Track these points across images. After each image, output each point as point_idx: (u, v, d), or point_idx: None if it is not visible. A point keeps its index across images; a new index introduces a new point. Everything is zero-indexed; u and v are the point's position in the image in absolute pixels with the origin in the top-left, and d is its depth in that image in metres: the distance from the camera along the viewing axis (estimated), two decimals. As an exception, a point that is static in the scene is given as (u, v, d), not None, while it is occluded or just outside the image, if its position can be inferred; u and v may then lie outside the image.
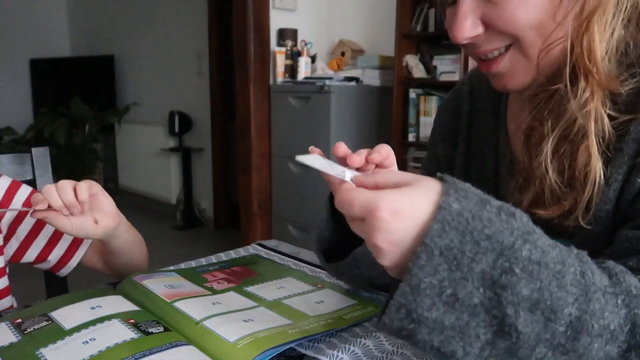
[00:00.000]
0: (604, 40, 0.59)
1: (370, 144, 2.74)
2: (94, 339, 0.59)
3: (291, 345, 0.60)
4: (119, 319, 0.64)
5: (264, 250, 1.03)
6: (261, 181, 3.04)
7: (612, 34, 0.60)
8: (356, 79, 2.86)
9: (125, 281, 0.78)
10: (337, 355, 0.59)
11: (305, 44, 2.97)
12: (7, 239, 0.88)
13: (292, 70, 2.98)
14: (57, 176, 1.00)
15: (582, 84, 0.60)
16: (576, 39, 0.59)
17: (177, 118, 4.12)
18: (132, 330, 0.61)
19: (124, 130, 4.73)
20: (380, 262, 0.46)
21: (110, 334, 0.60)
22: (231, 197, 4.15)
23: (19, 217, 0.89)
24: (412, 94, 2.77)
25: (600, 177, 0.60)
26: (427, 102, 2.73)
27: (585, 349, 0.46)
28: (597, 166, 0.60)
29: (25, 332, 0.63)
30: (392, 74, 2.81)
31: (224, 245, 3.15)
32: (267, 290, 0.77)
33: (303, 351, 0.61)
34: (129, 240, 0.89)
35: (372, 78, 2.91)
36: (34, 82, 5.11)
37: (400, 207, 0.44)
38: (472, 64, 2.44)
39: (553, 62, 0.62)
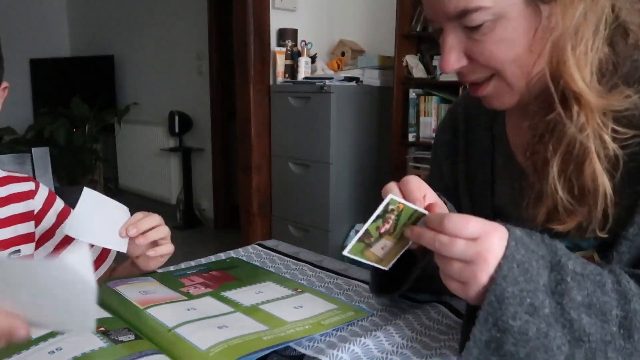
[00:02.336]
0: (585, 65, 0.62)
1: (371, 144, 2.77)
2: (61, 349, 0.57)
3: (265, 352, 0.58)
4: None
5: (264, 250, 1.03)
6: (261, 181, 3.04)
7: (595, 56, 0.62)
8: (356, 79, 2.86)
9: (98, 287, 0.76)
10: (337, 355, 0.59)
11: (305, 44, 2.97)
12: (39, 244, 0.90)
13: (292, 70, 2.97)
14: (57, 176, 1.00)
15: (575, 107, 0.62)
16: (556, 68, 0.62)
17: (177, 118, 4.12)
18: (101, 339, 0.59)
19: (124, 130, 4.73)
20: (468, 279, 0.54)
21: (77, 343, 0.58)
22: (231, 197, 4.15)
23: (55, 226, 0.91)
24: (412, 94, 2.77)
25: (609, 190, 0.62)
26: (427, 102, 2.73)
27: None
28: (604, 181, 0.62)
29: (-11, 342, 0.60)
30: (392, 74, 2.81)
31: (224, 245, 3.14)
32: (245, 295, 0.75)
33: (303, 351, 0.61)
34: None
35: (372, 78, 2.91)
36: (34, 82, 5.11)
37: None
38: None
39: (541, 85, 0.65)
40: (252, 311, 0.69)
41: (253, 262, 0.95)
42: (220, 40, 3.95)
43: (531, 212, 0.68)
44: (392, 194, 0.59)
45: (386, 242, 0.62)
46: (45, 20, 5.22)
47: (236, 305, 0.71)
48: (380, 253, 0.63)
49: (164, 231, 0.81)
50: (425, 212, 0.61)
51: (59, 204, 0.94)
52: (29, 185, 0.90)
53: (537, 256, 0.54)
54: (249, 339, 0.60)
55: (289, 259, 0.97)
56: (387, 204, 0.59)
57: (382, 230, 0.61)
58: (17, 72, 5.05)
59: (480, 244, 0.53)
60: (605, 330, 0.53)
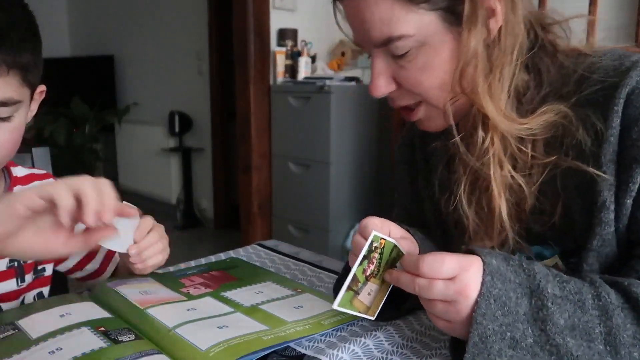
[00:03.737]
0: (499, 92, 0.63)
1: (371, 144, 2.77)
2: (61, 349, 0.57)
3: (265, 352, 0.58)
4: (89, 327, 0.62)
5: (264, 250, 1.03)
6: (261, 181, 3.04)
7: (511, 83, 0.64)
8: (356, 79, 2.86)
9: (99, 287, 0.76)
10: (337, 355, 0.59)
11: (305, 44, 2.97)
12: None
13: (292, 70, 2.98)
14: (57, 176, 1.00)
15: (480, 133, 0.64)
16: (469, 93, 0.64)
17: (177, 118, 4.12)
18: (101, 339, 0.59)
19: (124, 130, 4.72)
20: (453, 317, 0.54)
21: (78, 343, 0.58)
22: (231, 197, 4.14)
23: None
24: (412, 94, 2.77)
25: (505, 217, 0.66)
26: (427, 102, 2.73)
27: None
28: (502, 207, 0.65)
29: (-10, 341, 0.60)
30: (392, 74, 2.81)
31: (224, 245, 3.14)
32: (245, 295, 0.75)
33: (303, 351, 0.61)
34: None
35: (372, 78, 2.91)
36: (34, 82, 5.10)
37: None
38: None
39: (461, 109, 0.67)
40: (252, 311, 0.69)
41: (253, 262, 0.95)
42: (220, 40, 3.95)
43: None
44: (374, 230, 0.60)
45: (372, 286, 0.62)
46: (45, 20, 5.21)
47: (236, 305, 0.71)
48: (367, 300, 0.62)
49: (157, 248, 0.79)
50: (403, 250, 0.61)
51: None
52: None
53: (514, 285, 0.53)
54: (249, 339, 0.60)
55: (289, 259, 0.97)
56: (372, 242, 0.59)
57: (368, 272, 0.61)
58: (17, 72, 5.05)
59: (459, 282, 0.53)
60: (592, 350, 0.52)
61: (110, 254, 0.95)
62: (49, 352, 0.57)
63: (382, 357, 0.60)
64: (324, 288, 0.82)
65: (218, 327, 0.63)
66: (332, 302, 0.73)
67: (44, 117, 4.41)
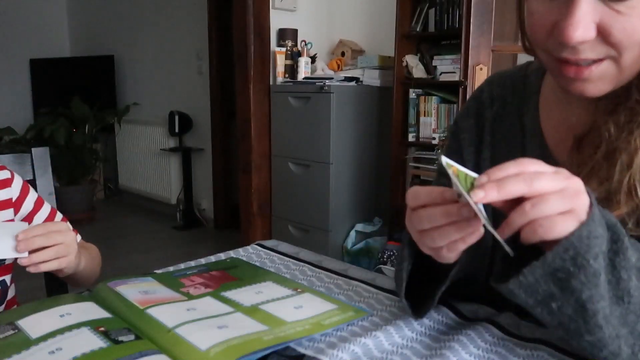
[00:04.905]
0: None
1: (371, 144, 2.78)
2: (61, 349, 0.57)
3: (265, 352, 0.58)
4: (89, 327, 0.62)
5: (264, 250, 1.03)
6: (261, 181, 3.04)
7: None
8: (356, 79, 2.86)
9: (99, 287, 0.76)
10: (337, 355, 0.59)
11: (305, 44, 2.97)
12: None
13: (292, 70, 2.98)
14: (57, 176, 1.01)
15: None
16: None
17: (177, 118, 4.12)
18: (101, 339, 0.59)
19: (124, 130, 4.73)
20: (572, 202, 0.51)
21: (77, 343, 0.58)
22: (231, 197, 4.15)
23: (33, 213, 0.95)
24: (412, 94, 2.77)
25: None
26: (427, 102, 2.73)
27: None
28: None
29: (-10, 341, 0.60)
30: (392, 74, 2.81)
31: (224, 245, 3.15)
32: (245, 295, 0.75)
33: (303, 351, 0.61)
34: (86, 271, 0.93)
35: (372, 78, 2.91)
36: (34, 82, 5.11)
37: None
38: (471, 64, 2.44)
39: (634, 75, 0.61)
40: (252, 311, 0.69)
41: (253, 262, 0.95)
42: (220, 40, 3.95)
43: None
44: (444, 157, 0.53)
45: None
46: (45, 20, 5.22)
47: (236, 305, 0.71)
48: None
49: (50, 253, 0.80)
50: (475, 174, 0.53)
51: (33, 192, 0.97)
52: (5, 174, 0.93)
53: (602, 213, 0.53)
54: (249, 339, 0.60)
55: (289, 259, 0.97)
56: (443, 167, 0.51)
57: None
58: (17, 72, 5.06)
59: (565, 172, 0.52)
60: None
61: None
62: (49, 352, 0.57)
63: (382, 357, 0.60)
64: (324, 288, 0.82)
65: (218, 327, 0.62)
66: (331, 301, 0.73)
67: (44, 117, 4.42)
